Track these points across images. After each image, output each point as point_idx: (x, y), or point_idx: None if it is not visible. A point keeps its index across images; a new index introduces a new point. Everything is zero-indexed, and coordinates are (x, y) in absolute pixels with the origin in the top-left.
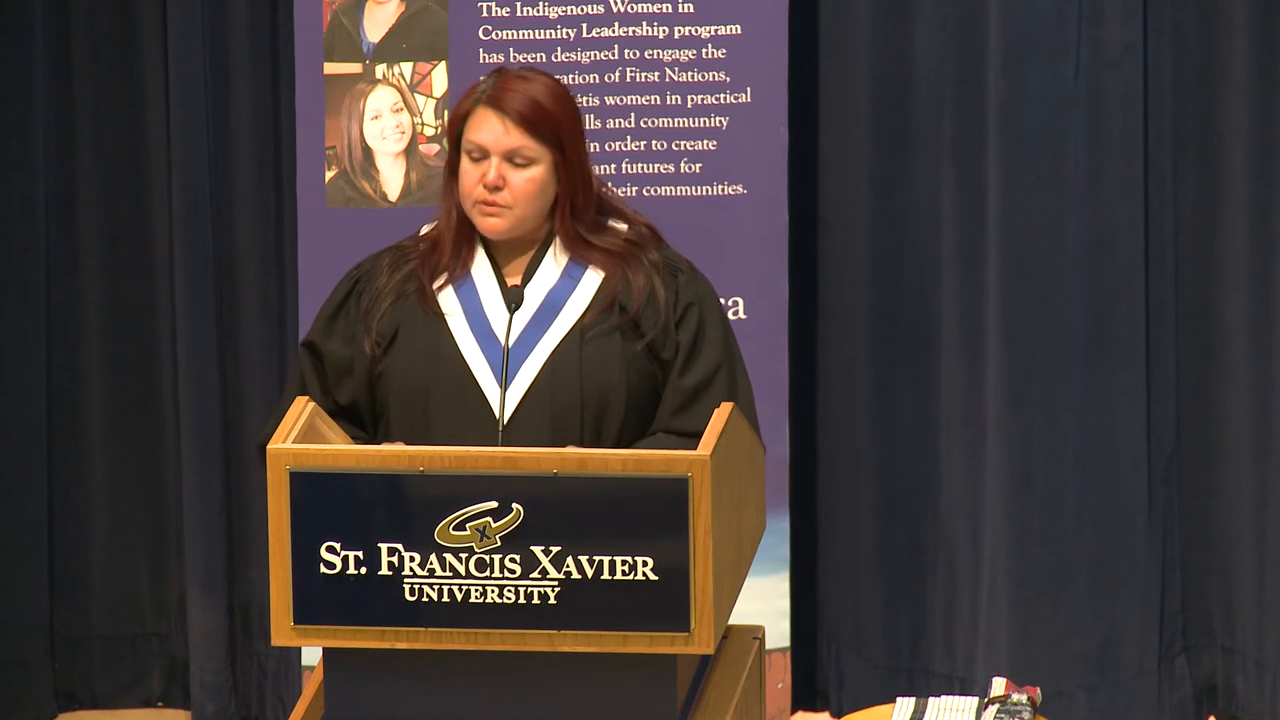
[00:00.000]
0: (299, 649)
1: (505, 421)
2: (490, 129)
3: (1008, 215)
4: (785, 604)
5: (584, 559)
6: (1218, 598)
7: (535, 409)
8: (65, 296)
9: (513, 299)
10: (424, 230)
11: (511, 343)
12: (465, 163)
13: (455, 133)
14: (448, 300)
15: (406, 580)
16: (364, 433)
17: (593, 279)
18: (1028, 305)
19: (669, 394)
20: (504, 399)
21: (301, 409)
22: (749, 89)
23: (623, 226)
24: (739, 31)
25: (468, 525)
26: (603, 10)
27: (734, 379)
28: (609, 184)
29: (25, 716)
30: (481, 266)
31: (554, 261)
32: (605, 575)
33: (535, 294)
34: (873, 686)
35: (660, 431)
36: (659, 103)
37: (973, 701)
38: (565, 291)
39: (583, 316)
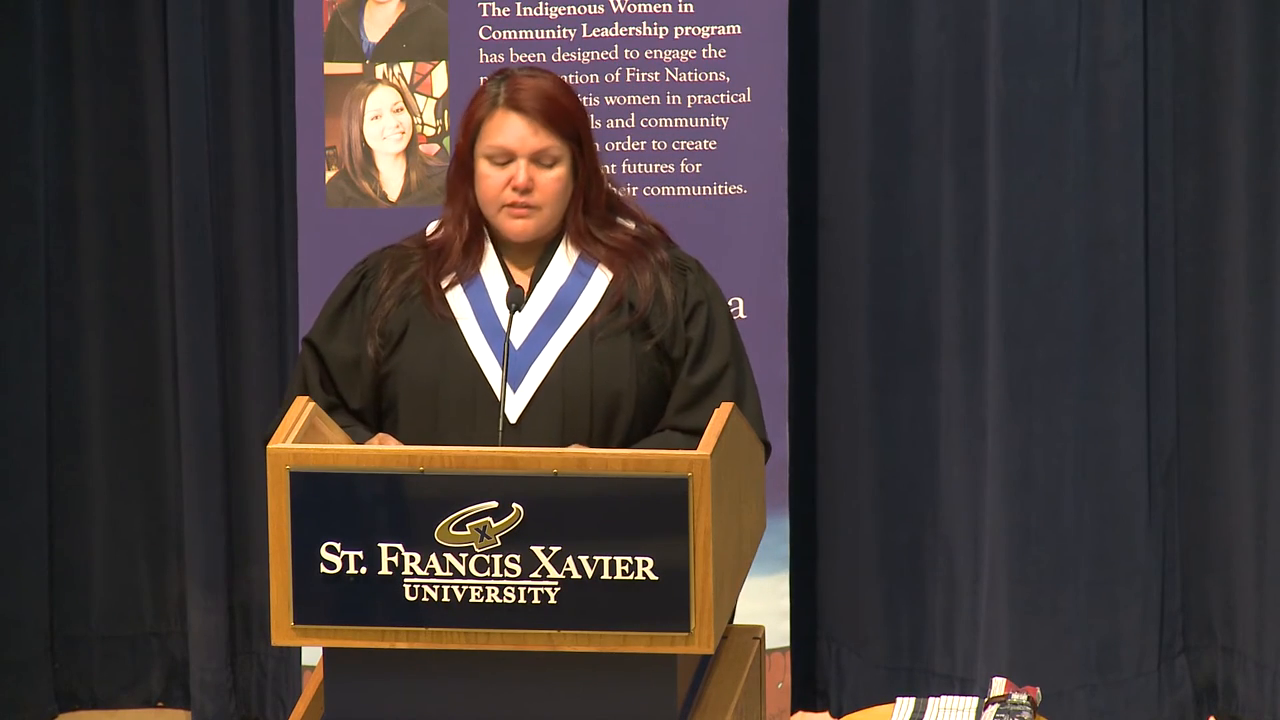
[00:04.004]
0: (299, 649)
1: (514, 421)
2: (514, 131)
3: (1008, 215)
4: (785, 604)
5: (584, 559)
6: (1218, 598)
7: (545, 408)
8: (65, 296)
9: (514, 299)
10: (429, 231)
11: (521, 342)
12: (485, 167)
13: (469, 139)
14: (457, 300)
15: (406, 580)
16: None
17: (602, 278)
18: (1028, 305)
19: (677, 391)
20: (514, 399)
21: (302, 409)
22: (749, 89)
23: (631, 225)
24: (739, 31)
25: (468, 525)
26: (603, 10)
27: (741, 378)
28: (617, 183)
29: (25, 716)
30: (491, 267)
31: (564, 258)
32: (605, 575)
33: (545, 293)
34: (873, 686)
35: (667, 428)
36: (659, 103)
37: (973, 701)
38: (575, 290)
39: (592, 316)
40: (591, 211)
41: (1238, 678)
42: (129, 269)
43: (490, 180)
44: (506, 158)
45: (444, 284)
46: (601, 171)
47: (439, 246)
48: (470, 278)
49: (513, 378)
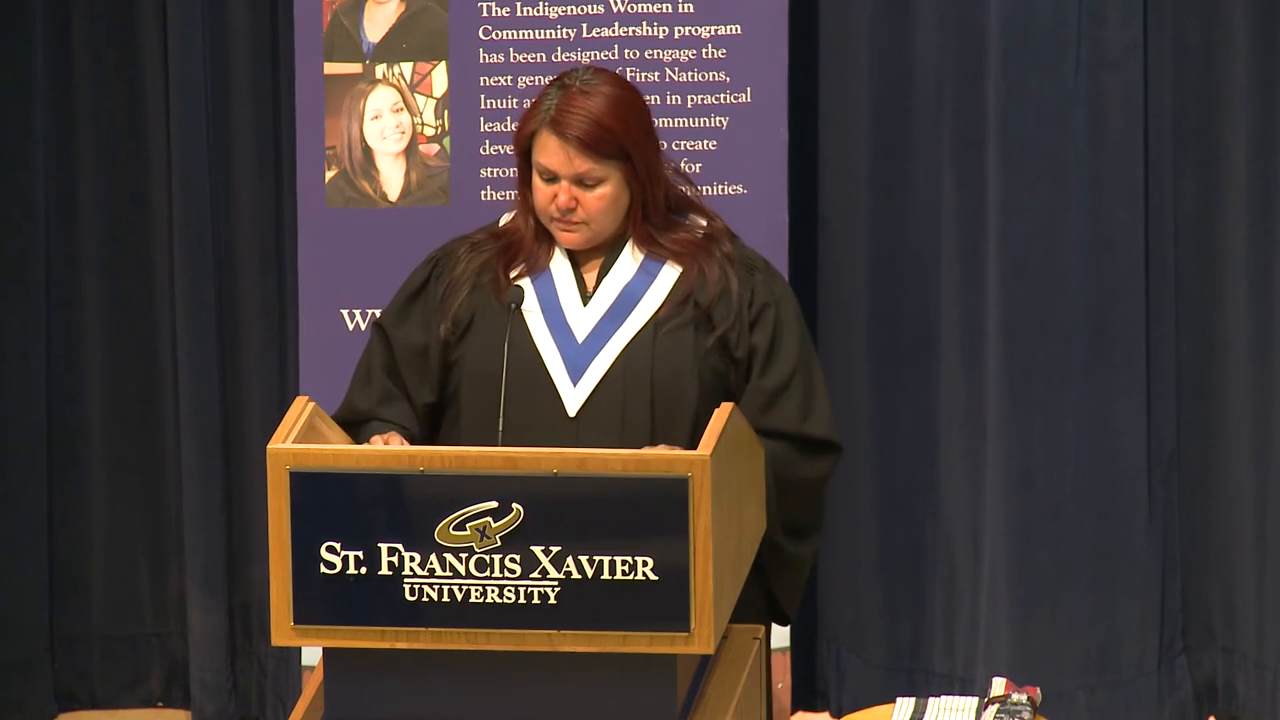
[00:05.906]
0: (299, 649)
1: (573, 415)
2: (555, 155)
3: (1008, 215)
4: None
5: (584, 559)
6: (1218, 598)
7: (606, 403)
8: (65, 296)
9: (513, 298)
10: (503, 221)
11: (585, 336)
12: (536, 180)
13: (523, 146)
14: (525, 292)
15: (406, 580)
16: (412, 427)
17: (669, 274)
18: (1028, 305)
19: (750, 395)
20: (574, 393)
21: (301, 409)
22: (749, 89)
23: (701, 221)
24: (739, 31)
25: (468, 525)
26: (603, 10)
27: (810, 380)
28: (688, 178)
29: (25, 716)
30: (560, 262)
31: (631, 258)
32: (605, 575)
33: (611, 288)
34: (873, 686)
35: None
36: (659, 103)
37: (973, 701)
38: (641, 287)
39: (657, 311)
40: (651, 218)
41: (1238, 678)
42: (129, 269)
43: (540, 193)
44: (551, 176)
45: (513, 274)
46: (662, 175)
47: (510, 238)
48: (539, 271)
49: (574, 372)
